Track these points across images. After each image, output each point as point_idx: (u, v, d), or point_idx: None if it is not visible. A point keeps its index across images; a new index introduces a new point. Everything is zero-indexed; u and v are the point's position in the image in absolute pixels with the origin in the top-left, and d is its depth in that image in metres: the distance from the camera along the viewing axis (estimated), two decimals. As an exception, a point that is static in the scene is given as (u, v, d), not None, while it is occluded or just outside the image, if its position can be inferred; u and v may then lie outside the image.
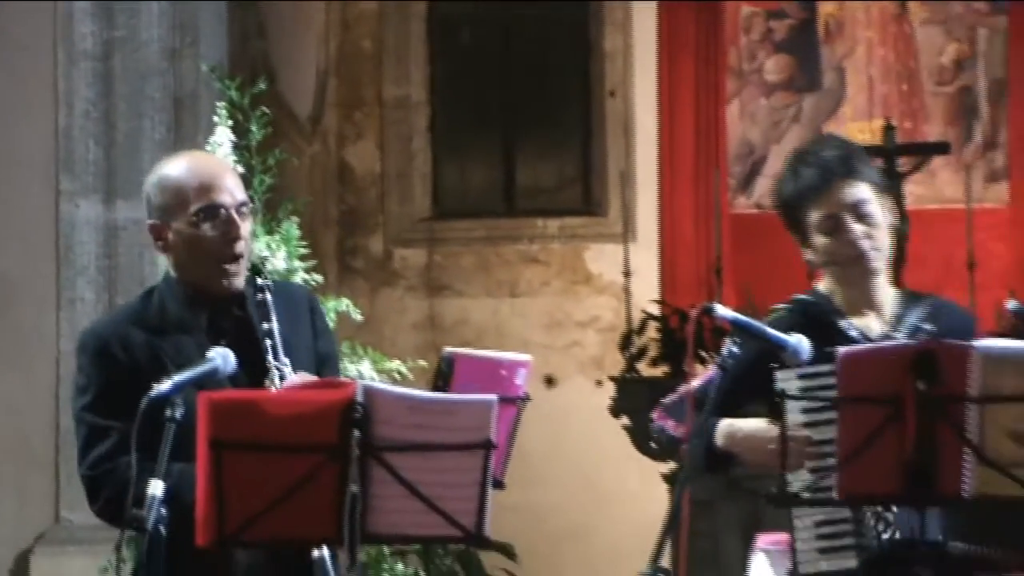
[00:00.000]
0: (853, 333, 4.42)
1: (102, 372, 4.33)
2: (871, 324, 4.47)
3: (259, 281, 4.33)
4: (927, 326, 4.41)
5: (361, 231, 13.24)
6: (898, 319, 4.46)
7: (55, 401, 8.88)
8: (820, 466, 4.12)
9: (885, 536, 4.21)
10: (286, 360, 4.24)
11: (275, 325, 4.27)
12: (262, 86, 8.10)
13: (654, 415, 4.53)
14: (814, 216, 4.43)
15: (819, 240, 4.44)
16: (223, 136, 7.81)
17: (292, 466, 3.88)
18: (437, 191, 13.42)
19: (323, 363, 4.42)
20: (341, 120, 13.25)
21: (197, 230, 4.34)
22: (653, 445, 4.54)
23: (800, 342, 4.15)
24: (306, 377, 4.21)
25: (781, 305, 4.52)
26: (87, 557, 7.54)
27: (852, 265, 4.43)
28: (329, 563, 4.17)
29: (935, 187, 12.44)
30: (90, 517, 8.88)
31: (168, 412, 3.98)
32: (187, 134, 8.85)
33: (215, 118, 7.90)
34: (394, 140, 13.31)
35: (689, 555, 4.23)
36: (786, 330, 4.21)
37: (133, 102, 9.04)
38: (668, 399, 4.53)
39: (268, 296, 4.30)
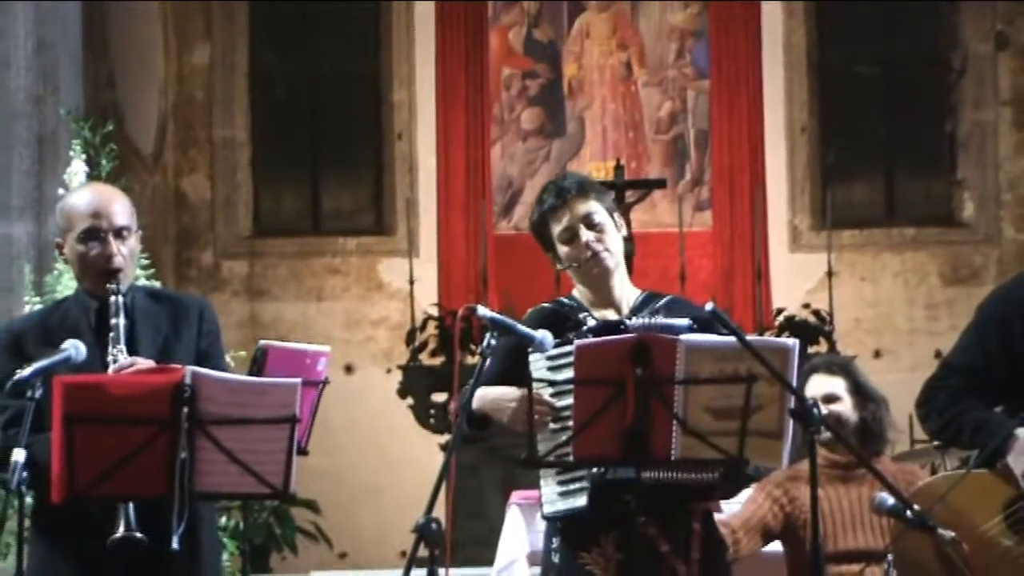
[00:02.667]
0: (591, 322, 4.38)
1: (5, 362, 4.24)
2: (610, 316, 4.41)
3: (111, 287, 4.24)
4: (661, 316, 4.34)
5: (194, 247, 13.09)
6: (635, 311, 4.42)
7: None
8: (559, 432, 4.10)
9: (607, 477, 4.17)
10: (122, 348, 4.15)
11: (121, 321, 4.19)
12: (111, 127, 8.05)
13: (450, 407, 4.50)
14: (556, 230, 4.39)
15: (562, 249, 4.40)
16: (78, 167, 7.73)
17: (131, 436, 3.87)
18: (257, 214, 13.28)
19: (203, 357, 4.32)
20: (178, 156, 13.08)
21: (82, 247, 4.28)
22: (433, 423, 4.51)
23: (545, 336, 4.13)
24: (146, 363, 4.16)
25: (534, 307, 4.47)
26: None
27: (589, 266, 4.38)
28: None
29: (655, 215, 12.54)
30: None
31: (29, 393, 3.93)
32: (49, 166, 8.71)
33: (71, 153, 7.84)
34: (222, 173, 13.16)
35: (456, 508, 4.25)
36: (536, 327, 4.18)
37: (4, 139, 8.87)
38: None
39: (119, 299, 4.22)
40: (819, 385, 5.43)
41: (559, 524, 4.30)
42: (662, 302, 4.46)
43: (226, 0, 13.16)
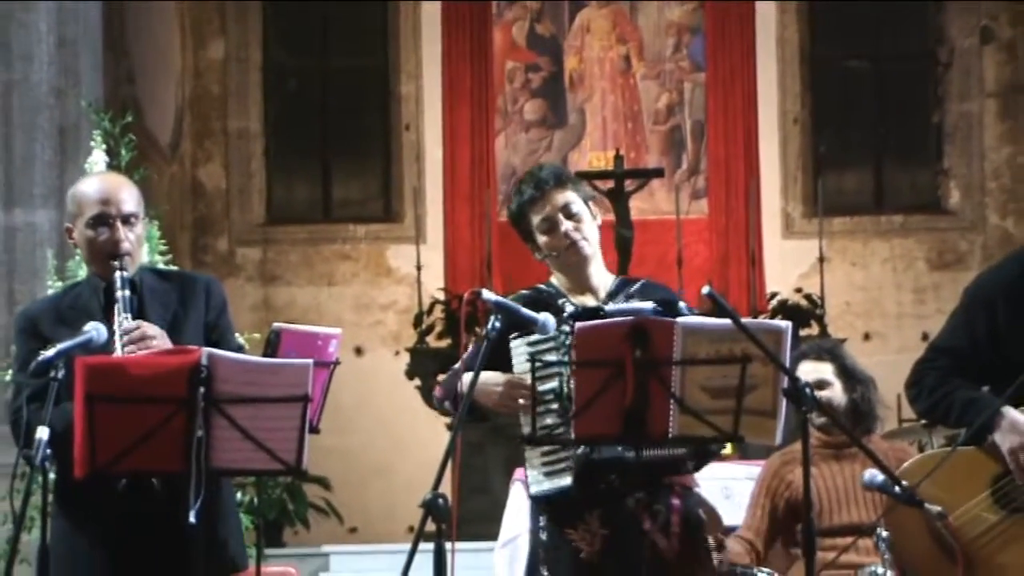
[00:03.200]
0: (570, 308, 4.34)
1: (20, 341, 4.27)
2: (588, 302, 4.38)
3: (113, 263, 4.24)
4: (635, 300, 4.33)
5: (210, 234, 13.10)
6: (611, 296, 4.39)
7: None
8: (546, 423, 4.08)
9: (592, 456, 4.16)
10: (128, 316, 4.14)
11: (127, 293, 4.18)
12: (130, 119, 8.02)
13: (435, 392, 4.45)
14: (535, 220, 4.36)
15: (541, 239, 4.37)
16: (98, 157, 7.72)
17: (150, 414, 3.86)
18: (270, 202, 13.30)
19: (211, 330, 4.33)
20: (194, 147, 13.09)
21: (91, 232, 4.28)
22: (437, 409, 4.46)
23: (547, 319, 4.10)
24: (151, 327, 4.16)
25: (514, 294, 4.39)
26: (-10, 488, 7.39)
27: (569, 254, 4.36)
28: None
29: (653, 202, 12.55)
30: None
31: (52, 373, 3.92)
32: (70, 156, 8.71)
33: (92, 144, 7.82)
34: (236, 163, 13.17)
35: (462, 485, 4.24)
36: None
37: (28, 130, 8.88)
38: (441, 376, 4.50)
39: (123, 274, 4.20)
40: (808, 372, 5.43)
41: (545, 503, 4.27)
42: (636, 287, 4.44)
43: (240, -3, 13.18)
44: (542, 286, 4.47)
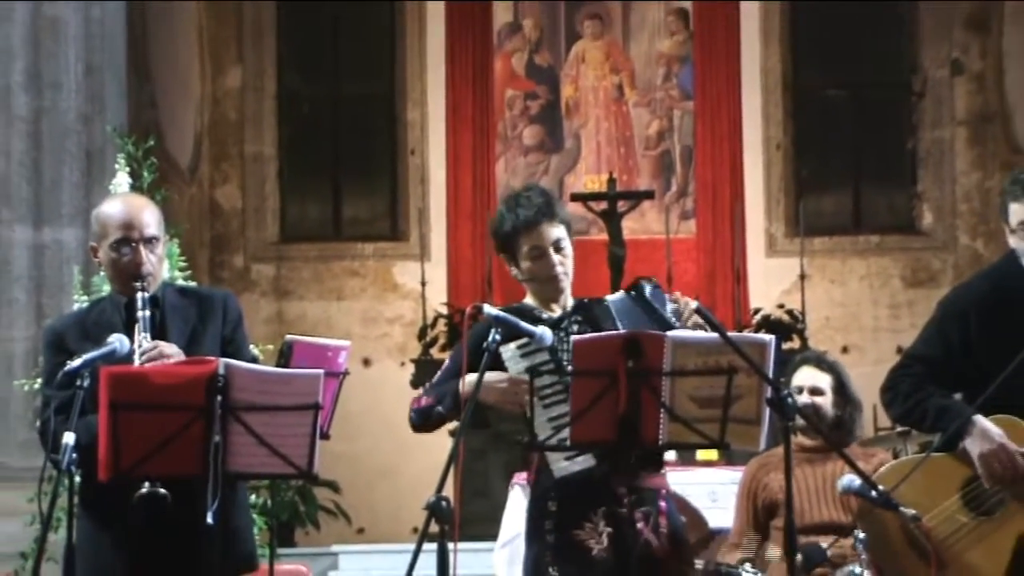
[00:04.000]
0: (545, 317, 4.33)
1: (48, 354, 4.26)
2: (556, 313, 4.34)
3: (135, 284, 4.22)
4: (577, 316, 4.32)
5: (227, 251, 13.09)
6: (566, 316, 4.35)
7: (-9, 376, 8.73)
8: (553, 414, 4.08)
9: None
10: (147, 335, 4.13)
11: (147, 312, 4.16)
12: (152, 143, 8.04)
13: (411, 404, 4.40)
14: (525, 247, 4.33)
15: (526, 264, 4.36)
16: (122, 179, 7.73)
17: (170, 421, 3.87)
18: (283, 222, 13.28)
19: (228, 343, 4.32)
20: (212, 169, 13.09)
21: (115, 254, 4.27)
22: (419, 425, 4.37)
23: (544, 332, 4.12)
24: (169, 346, 4.15)
25: (503, 307, 4.33)
26: (18, 491, 7.37)
27: (548, 284, 4.37)
28: None
29: (644, 223, 12.54)
30: (20, 460, 8.79)
31: (78, 382, 3.92)
32: (96, 178, 8.73)
33: (116, 166, 7.84)
34: (251, 184, 13.17)
35: (464, 488, 4.24)
36: None
37: (56, 154, 8.90)
38: (427, 385, 4.45)
39: (144, 295, 4.19)
40: (808, 377, 5.50)
41: (553, 505, 4.24)
42: (584, 306, 4.42)
43: (256, 29, 13.18)
44: (524, 303, 4.45)
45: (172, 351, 4.15)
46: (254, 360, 4.33)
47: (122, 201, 4.48)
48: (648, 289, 4.36)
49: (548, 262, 4.34)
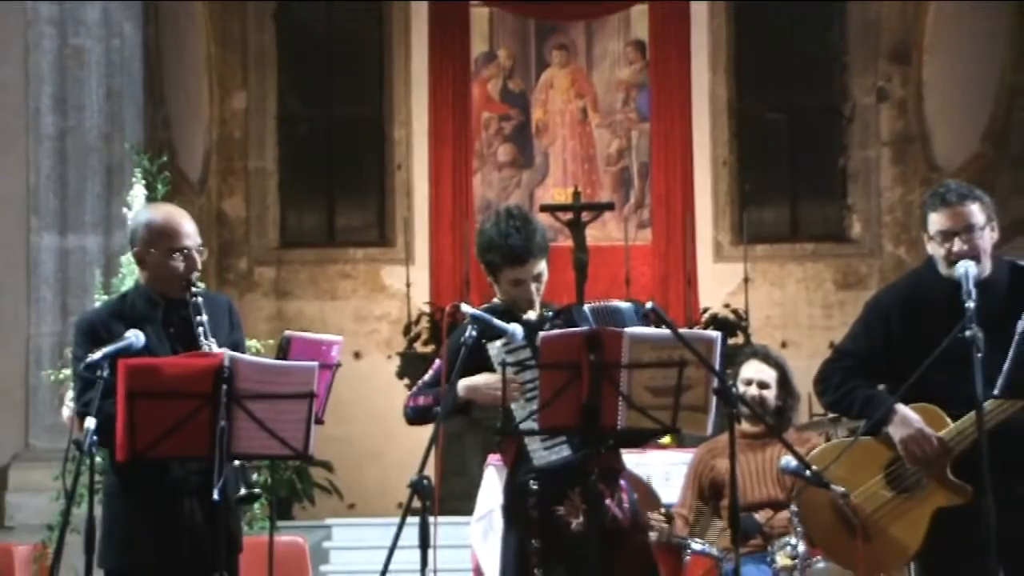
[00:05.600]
0: (524, 318, 4.29)
1: (87, 345, 4.17)
2: (531, 315, 4.29)
3: (193, 290, 4.20)
4: (558, 320, 4.29)
5: (232, 256, 13.06)
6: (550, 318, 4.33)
7: (25, 367, 8.70)
8: (533, 408, 4.07)
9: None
10: (212, 340, 4.12)
11: (204, 318, 4.15)
12: (165, 159, 8.03)
13: (406, 402, 4.37)
14: (509, 275, 4.28)
15: (506, 285, 4.30)
16: (138, 191, 7.73)
17: (181, 408, 3.87)
18: (283, 229, 13.26)
19: (235, 346, 4.26)
20: (219, 182, 13.06)
21: (170, 260, 4.19)
22: (415, 420, 4.35)
23: (516, 329, 4.12)
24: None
25: (482, 306, 4.34)
26: (45, 470, 7.37)
27: (526, 304, 4.29)
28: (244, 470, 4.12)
29: (605, 231, 12.55)
30: (47, 442, 8.77)
31: (98, 372, 3.91)
32: (115, 190, 8.72)
33: (133, 180, 7.83)
34: (255, 196, 13.15)
35: (444, 468, 4.23)
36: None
37: (80, 169, 8.89)
38: (416, 388, 4.41)
39: (199, 300, 4.18)
40: (756, 371, 5.53)
41: (534, 484, 4.24)
42: (555, 313, 4.40)
43: (259, 58, 13.17)
44: (497, 301, 4.42)
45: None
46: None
47: (172, 212, 4.36)
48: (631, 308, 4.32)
49: (527, 290, 4.30)
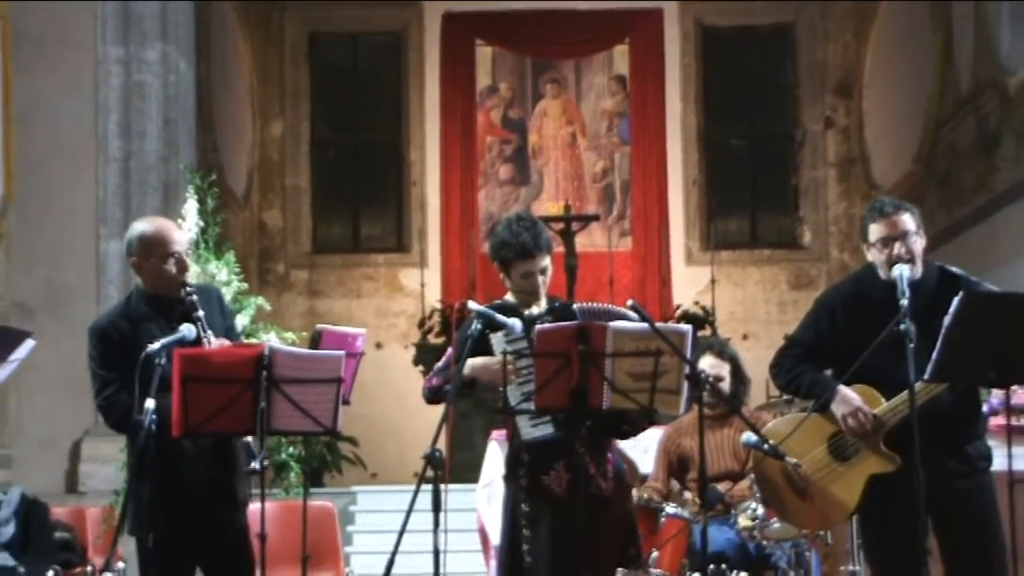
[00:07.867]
0: (526, 314, 4.27)
1: (100, 346, 4.12)
2: (534, 311, 4.27)
3: (187, 288, 4.12)
4: (549, 317, 4.26)
5: (271, 260, 13.08)
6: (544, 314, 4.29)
7: (94, 356, 8.71)
8: (524, 390, 4.06)
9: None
10: (210, 332, 4.07)
11: (201, 313, 4.09)
12: (214, 178, 8.03)
13: (424, 384, 4.32)
14: (521, 268, 4.25)
15: (516, 279, 4.28)
16: (191, 205, 7.73)
17: (227, 391, 3.86)
18: (315, 238, 13.29)
19: (228, 331, 4.23)
20: (260, 198, 13.09)
21: (165, 264, 4.13)
22: (431, 398, 4.32)
23: (515, 323, 4.11)
24: (225, 342, 4.10)
25: (488, 303, 4.32)
26: (113, 444, 7.38)
27: (533, 296, 4.29)
28: (252, 445, 4.12)
29: (592, 239, 12.56)
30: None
31: (156, 360, 3.87)
32: (172, 204, 8.71)
33: (187, 195, 7.83)
34: (290, 209, 13.18)
35: (453, 442, 4.23)
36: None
37: (141, 186, 8.88)
38: (431, 372, 4.37)
39: (194, 297, 4.10)
40: (712, 365, 5.51)
41: (526, 457, 4.23)
42: (554, 306, 4.38)
43: (294, 91, 13.19)
44: (503, 299, 4.41)
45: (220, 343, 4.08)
46: (238, 337, 4.29)
47: (162, 223, 4.27)
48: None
49: (534, 283, 4.29)
